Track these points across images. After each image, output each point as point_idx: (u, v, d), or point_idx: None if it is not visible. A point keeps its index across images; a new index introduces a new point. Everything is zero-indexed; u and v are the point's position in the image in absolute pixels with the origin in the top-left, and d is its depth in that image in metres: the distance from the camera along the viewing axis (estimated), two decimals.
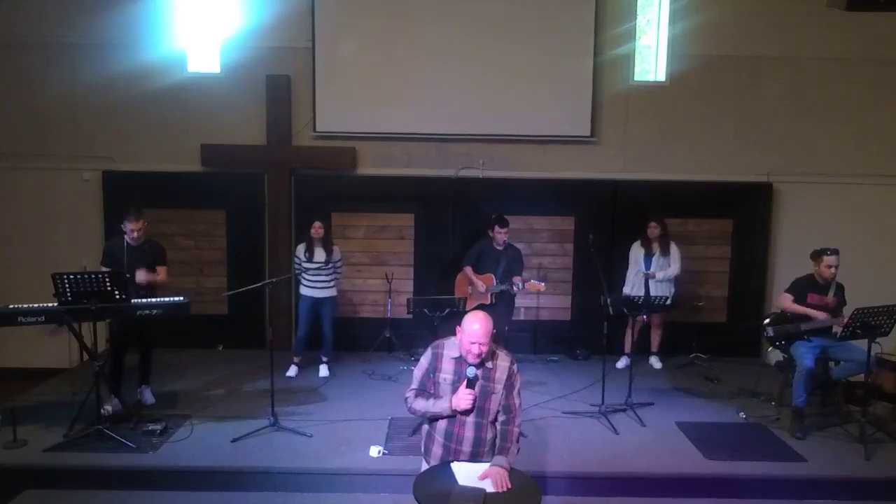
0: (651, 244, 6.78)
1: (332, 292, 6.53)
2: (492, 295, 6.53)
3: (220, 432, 5.11)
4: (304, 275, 6.39)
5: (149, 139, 7.34)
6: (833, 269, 5.44)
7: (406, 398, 3.27)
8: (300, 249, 6.45)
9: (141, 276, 5.29)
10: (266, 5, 7.21)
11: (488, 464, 3.09)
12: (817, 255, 5.52)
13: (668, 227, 6.84)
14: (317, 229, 6.36)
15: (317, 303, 6.46)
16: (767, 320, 5.78)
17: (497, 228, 6.51)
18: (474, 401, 3.10)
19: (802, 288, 5.60)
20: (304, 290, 6.47)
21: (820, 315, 5.43)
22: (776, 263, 7.54)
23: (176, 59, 7.28)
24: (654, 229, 6.77)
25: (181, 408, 5.66)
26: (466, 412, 3.13)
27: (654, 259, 6.76)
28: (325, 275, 6.41)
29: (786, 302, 5.60)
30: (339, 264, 6.56)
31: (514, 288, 6.46)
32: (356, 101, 7.29)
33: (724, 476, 4.66)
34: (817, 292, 5.52)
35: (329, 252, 6.41)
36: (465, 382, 3.10)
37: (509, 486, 2.96)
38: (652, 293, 6.58)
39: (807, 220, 7.44)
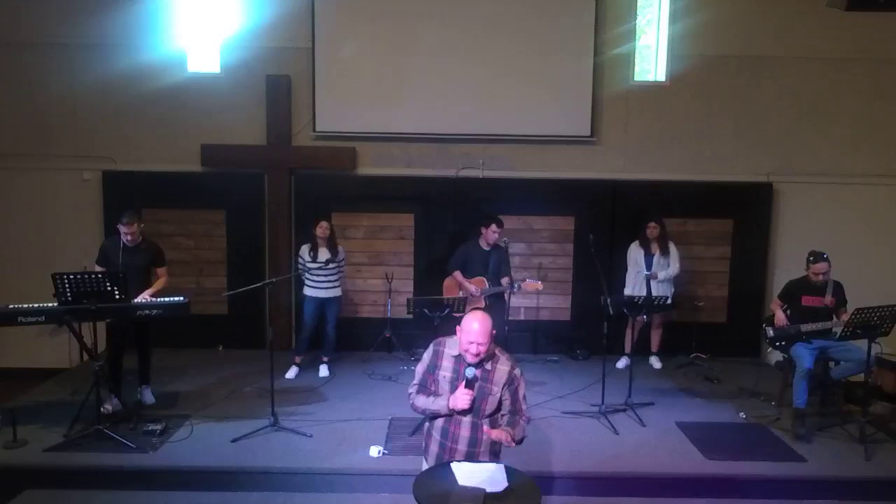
0: (650, 244, 6.79)
1: (337, 292, 6.53)
2: (484, 297, 6.50)
3: (220, 432, 5.11)
4: (308, 275, 6.38)
5: (149, 139, 7.33)
6: (821, 276, 5.45)
7: (409, 394, 3.30)
8: (304, 250, 6.44)
9: (142, 297, 5.28)
10: (266, 5, 7.21)
11: (489, 464, 3.10)
12: (808, 260, 5.54)
13: (666, 227, 6.85)
14: (324, 229, 6.36)
15: (322, 303, 6.45)
16: (768, 326, 5.79)
17: (494, 227, 6.42)
18: (472, 401, 3.11)
19: (794, 291, 5.62)
20: (308, 291, 6.45)
21: (779, 319, 5.57)
22: (776, 263, 7.54)
23: (176, 59, 7.27)
24: (653, 230, 6.77)
25: (181, 408, 5.66)
26: (464, 412, 3.13)
27: (654, 259, 6.76)
28: (330, 275, 6.41)
29: (774, 309, 5.73)
30: (342, 264, 6.56)
31: (511, 289, 6.39)
32: (356, 101, 7.29)
33: (724, 476, 4.66)
34: (812, 294, 5.53)
35: (334, 252, 6.42)
36: (463, 383, 3.10)
37: (512, 441, 3.01)
38: (653, 293, 6.58)
39: (807, 220, 7.44)
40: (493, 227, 6.43)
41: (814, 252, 5.54)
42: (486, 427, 3.08)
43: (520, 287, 6.37)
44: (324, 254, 6.38)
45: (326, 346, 6.65)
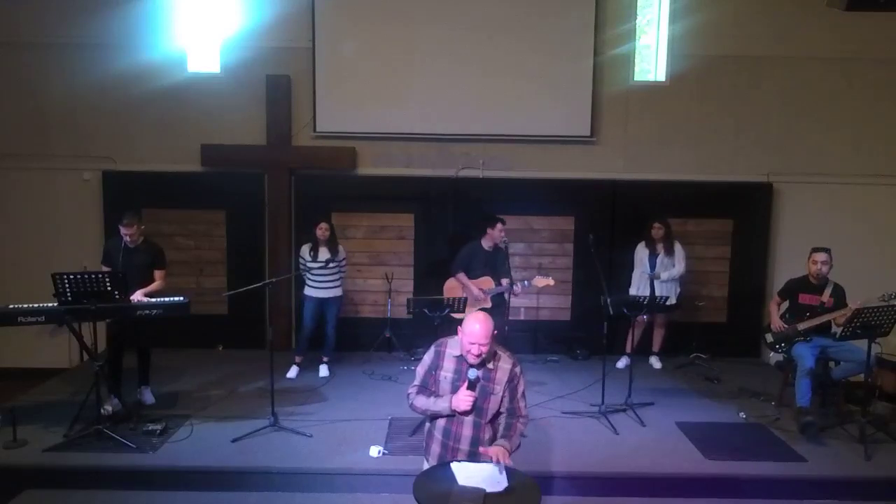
0: (655, 245, 6.79)
1: (337, 292, 6.54)
2: (490, 297, 6.48)
3: (220, 432, 5.11)
4: (308, 275, 6.38)
5: (149, 139, 7.34)
6: (819, 265, 5.46)
7: (408, 394, 3.29)
8: (305, 250, 6.45)
9: (136, 296, 5.26)
10: (266, 5, 7.21)
11: (489, 464, 3.09)
12: (809, 253, 5.56)
13: (671, 227, 6.85)
14: (323, 230, 6.36)
15: (322, 303, 6.46)
16: (767, 332, 5.80)
17: (500, 227, 6.34)
18: (474, 401, 3.11)
19: (793, 289, 5.65)
20: (308, 291, 6.46)
21: (775, 323, 5.64)
22: (776, 263, 7.54)
23: (176, 59, 7.28)
24: (657, 230, 6.77)
25: (181, 408, 5.66)
26: (466, 412, 3.13)
27: (659, 259, 6.76)
28: (331, 275, 6.42)
29: (772, 308, 5.78)
30: (343, 263, 6.57)
31: (519, 286, 6.29)
32: (356, 101, 7.29)
33: (724, 476, 4.66)
34: (810, 292, 5.54)
35: (335, 252, 6.43)
36: (465, 383, 3.10)
37: (509, 463, 2.98)
38: (657, 293, 6.57)
39: (807, 220, 7.44)
40: (499, 226, 6.36)
41: (816, 247, 5.58)
42: (482, 448, 3.06)
43: (529, 284, 6.33)
44: (324, 253, 6.39)
45: (326, 347, 6.65)
